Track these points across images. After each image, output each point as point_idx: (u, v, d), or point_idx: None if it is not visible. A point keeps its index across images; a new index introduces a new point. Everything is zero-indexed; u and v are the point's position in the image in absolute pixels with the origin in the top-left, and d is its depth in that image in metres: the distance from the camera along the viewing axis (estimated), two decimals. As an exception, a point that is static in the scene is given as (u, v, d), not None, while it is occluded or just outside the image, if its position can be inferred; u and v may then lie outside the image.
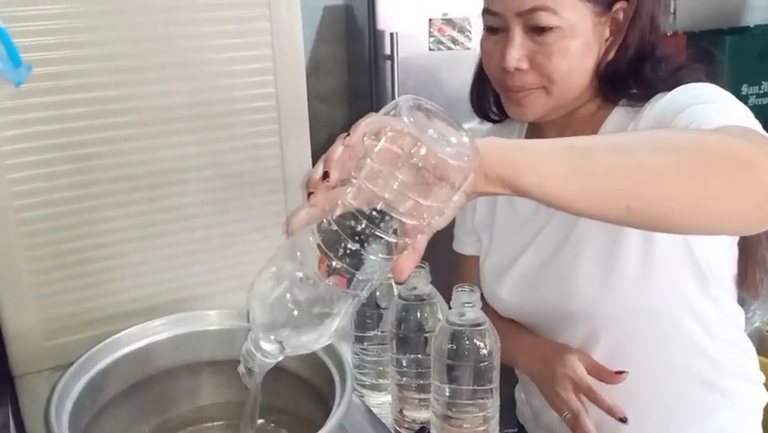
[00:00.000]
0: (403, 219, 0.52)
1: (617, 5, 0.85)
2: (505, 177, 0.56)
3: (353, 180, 0.52)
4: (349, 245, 0.53)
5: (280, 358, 0.63)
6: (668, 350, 0.92)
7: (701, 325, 0.91)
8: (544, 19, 0.82)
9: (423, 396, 0.92)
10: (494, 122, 1.05)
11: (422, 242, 0.56)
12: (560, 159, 0.58)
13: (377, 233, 0.53)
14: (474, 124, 2.42)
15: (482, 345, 0.84)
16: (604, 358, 0.93)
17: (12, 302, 0.90)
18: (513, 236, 0.98)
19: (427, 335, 0.91)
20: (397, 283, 0.91)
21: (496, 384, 0.86)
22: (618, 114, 0.89)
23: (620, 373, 0.84)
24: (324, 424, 0.69)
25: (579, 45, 0.84)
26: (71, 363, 0.79)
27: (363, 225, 0.52)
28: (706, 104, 0.75)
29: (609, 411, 0.84)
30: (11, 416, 0.84)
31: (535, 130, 0.99)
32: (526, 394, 1.10)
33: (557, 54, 0.83)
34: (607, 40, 0.86)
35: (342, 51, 2.58)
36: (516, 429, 1.15)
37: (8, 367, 0.92)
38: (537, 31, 0.83)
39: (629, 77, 0.87)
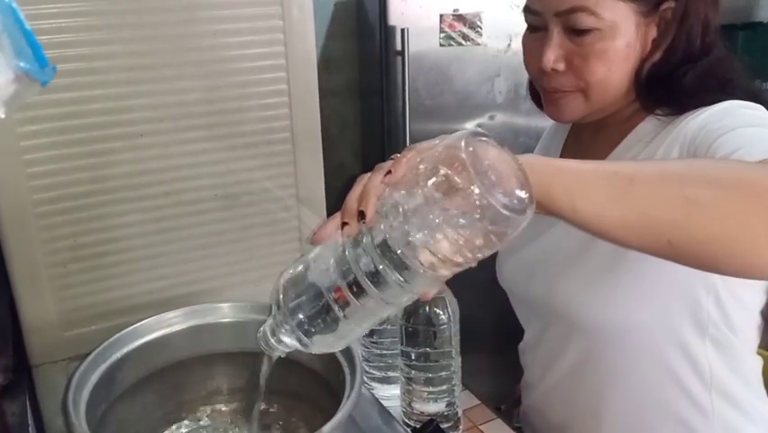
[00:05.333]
0: (446, 258, 0.49)
1: (666, 5, 0.80)
2: (539, 199, 0.53)
3: (397, 211, 0.50)
4: (380, 269, 0.51)
5: (288, 351, 0.63)
6: (644, 378, 0.89)
7: (693, 368, 0.87)
8: (583, 20, 0.78)
9: (431, 389, 0.94)
10: None
11: None
12: (600, 185, 0.55)
13: (413, 267, 0.50)
14: (485, 119, 2.43)
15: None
16: (574, 362, 0.93)
17: (30, 294, 0.91)
18: (531, 221, 0.98)
19: (436, 329, 0.92)
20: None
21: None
22: (650, 122, 0.84)
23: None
24: (334, 415, 0.70)
25: (619, 47, 0.79)
26: (88, 354, 0.80)
27: (399, 254, 0.50)
28: (753, 128, 0.70)
29: None
30: (28, 405, 0.85)
31: (576, 129, 0.97)
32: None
33: (594, 56, 0.80)
34: (654, 40, 0.82)
35: (353, 47, 2.59)
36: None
37: (26, 357, 0.94)
38: (576, 32, 0.80)
39: (672, 82, 0.81)
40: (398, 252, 0.50)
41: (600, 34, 0.79)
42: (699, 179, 0.56)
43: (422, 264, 0.50)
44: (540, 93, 0.89)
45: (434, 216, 0.48)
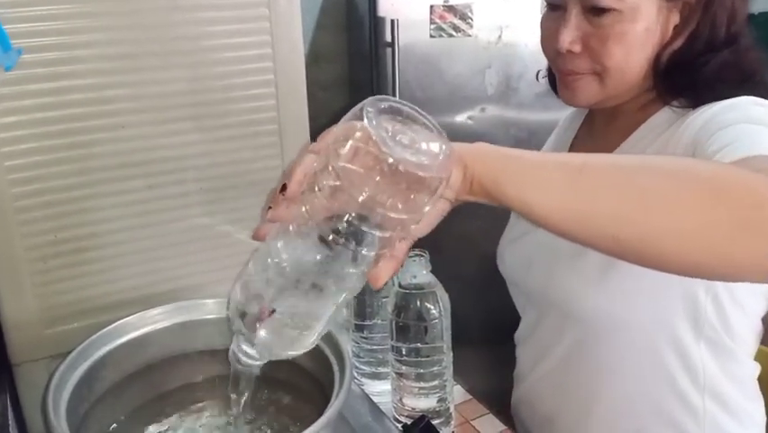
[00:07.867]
0: (373, 232, 0.48)
1: None
2: (488, 188, 0.51)
3: (317, 191, 0.48)
4: (318, 258, 0.50)
5: (262, 363, 0.62)
6: (635, 373, 0.88)
7: (686, 368, 0.85)
8: None
9: (422, 385, 0.92)
10: None
11: (401, 248, 0.52)
12: (548, 175, 0.53)
13: (346, 246, 0.49)
14: (476, 111, 2.42)
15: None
16: (566, 353, 0.92)
17: (10, 290, 0.89)
18: None
19: (427, 324, 0.91)
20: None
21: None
22: (664, 113, 0.82)
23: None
24: (323, 412, 0.69)
25: (639, 31, 0.77)
26: (69, 352, 0.78)
27: (331, 238, 0.49)
28: (753, 125, 0.66)
29: None
30: (9, 404, 0.84)
31: (590, 116, 0.96)
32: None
33: (613, 39, 0.78)
34: (676, 27, 0.79)
35: (342, 39, 2.56)
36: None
37: (6, 355, 0.92)
38: (595, 12, 0.78)
39: (692, 71, 0.79)
40: (331, 232, 0.49)
41: (620, 16, 0.77)
42: (651, 173, 0.53)
43: (345, 234, 0.49)
44: (556, 75, 0.88)
45: (354, 186, 0.47)
